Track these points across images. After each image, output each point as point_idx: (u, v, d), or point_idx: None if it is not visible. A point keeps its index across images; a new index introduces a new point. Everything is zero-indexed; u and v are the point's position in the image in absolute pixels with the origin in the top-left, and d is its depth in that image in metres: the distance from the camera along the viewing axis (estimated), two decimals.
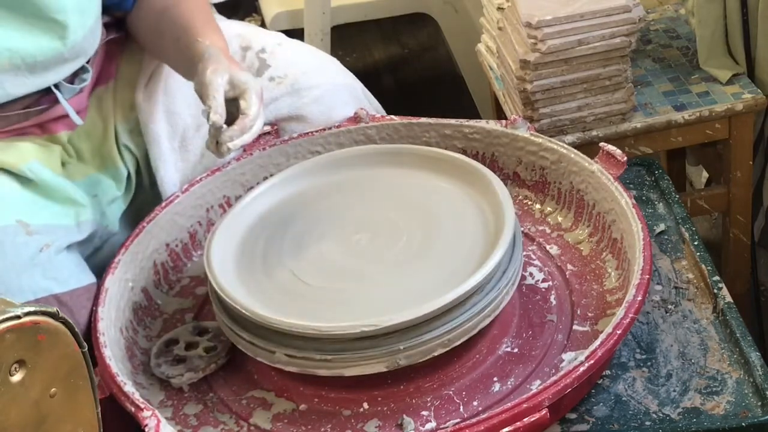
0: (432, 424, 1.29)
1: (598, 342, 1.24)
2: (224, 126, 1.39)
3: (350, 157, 1.58)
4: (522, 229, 1.54)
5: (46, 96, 1.51)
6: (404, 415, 1.30)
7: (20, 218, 1.42)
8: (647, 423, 1.27)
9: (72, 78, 1.54)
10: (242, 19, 3.15)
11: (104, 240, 1.56)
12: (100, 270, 1.49)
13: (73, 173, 1.55)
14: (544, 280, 1.48)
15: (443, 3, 2.71)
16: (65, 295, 1.40)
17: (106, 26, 1.62)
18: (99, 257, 1.55)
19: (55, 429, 1.01)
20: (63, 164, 1.55)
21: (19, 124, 1.50)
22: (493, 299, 1.32)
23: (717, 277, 1.43)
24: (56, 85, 1.51)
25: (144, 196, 1.64)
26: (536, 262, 1.52)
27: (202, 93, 1.42)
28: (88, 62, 1.55)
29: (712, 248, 1.84)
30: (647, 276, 1.32)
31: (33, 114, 1.51)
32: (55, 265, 1.41)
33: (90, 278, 1.47)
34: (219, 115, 1.39)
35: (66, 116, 1.54)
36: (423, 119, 1.67)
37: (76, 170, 1.56)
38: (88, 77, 1.55)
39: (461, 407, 1.31)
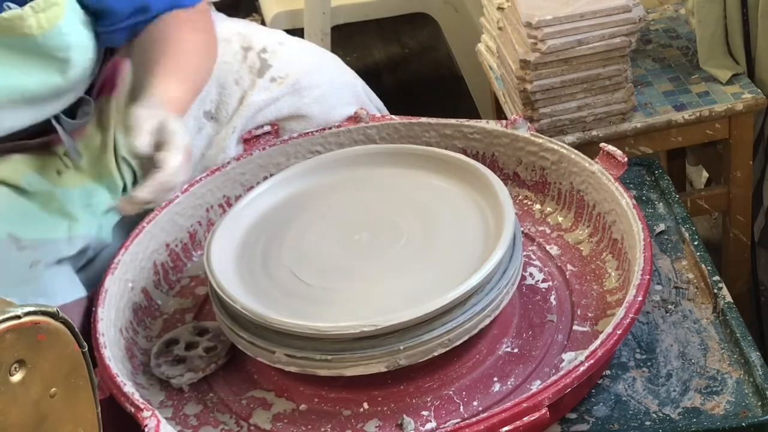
0: (432, 424, 1.29)
1: (598, 342, 1.24)
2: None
3: (350, 157, 1.58)
4: (522, 229, 1.54)
5: (44, 128, 1.50)
6: (404, 415, 1.30)
7: (12, 232, 1.41)
8: (647, 423, 1.27)
9: (74, 109, 1.53)
10: (242, 18, 3.14)
11: (97, 252, 1.55)
12: (93, 282, 1.49)
13: (68, 181, 1.54)
14: (544, 280, 1.48)
15: (443, 3, 2.71)
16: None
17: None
18: (92, 269, 1.54)
19: (55, 429, 1.01)
20: (59, 172, 1.54)
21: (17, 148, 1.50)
22: (493, 299, 1.32)
23: (717, 277, 1.43)
24: (57, 118, 1.50)
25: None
26: (536, 263, 1.52)
27: (128, 127, 1.35)
28: (89, 92, 1.54)
29: (712, 248, 1.84)
30: (648, 276, 1.32)
31: (31, 145, 1.50)
32: (45, 281, 1.41)
33: (80, 292, 1.46)
34: (144, 146, 1.31)
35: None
36: (423, 119, 1.67)
37: (72, 179, 1.55)
38: (90, 110, 1.54)
39: (461, 407, 1.31)
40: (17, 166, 1.48)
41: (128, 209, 1.33)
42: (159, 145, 1.33)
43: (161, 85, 1.42)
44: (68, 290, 1.44)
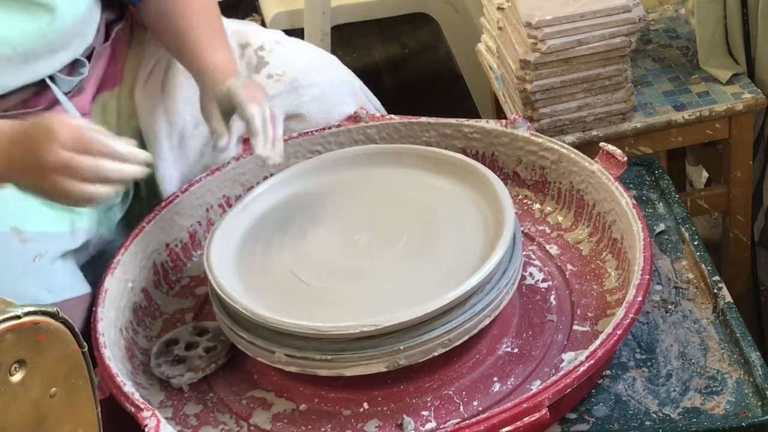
0: (432, 424, 1.29)
1: (598, 342, 1.24)
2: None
3: (350, 157, 1.58)
4: (522, 228, 1.54)
5: (44, 94, 1.50)
6: (404, 415, 1.30)
7: (15, 225, 1.41)
8: (647, 423, 1.27)
9: (70, 71, 1.53)
10: (242, 19, 3.14)
11: (99, 249, 1.55)
12: (96, 279, 1.49)
13: None
14: (544, 280, 1.48)
15: (443, 3, 2.71)
16: (58, 305, 1.39)
17: (109, 23, 1.62)
18: (94, 266, 1.54)
19: (55, 429, 1.01)
20: None
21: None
22: (493, 299, 1.32)
23: (717, 277, 1.43)
24: (52, 79, 1.50)
25: (139, 207, 1.63)
26: (536, 262, 1.52)
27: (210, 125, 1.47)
28: (89, 57, 1.55)
29: (712, 248, 1.84)
30: (648, 276, 1.32)
31: (33, 115, 1.50)
32: (49, 274, 1.41)
33: (85, 288, 1.46)
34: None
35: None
36: (423, 119, 1.67)
37: None
38: (86, 71, 1.54)
39: (461, 407, 1.31)
40: None
41: (276, 157, 1.42)
42: (233, 110, 1.43)
43: (211, 57, 1.49)
44: (73, 285, 1.44)
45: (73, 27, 1.49)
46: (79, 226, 1.49)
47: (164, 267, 1.58)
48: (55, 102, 1.51)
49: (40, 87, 1.50)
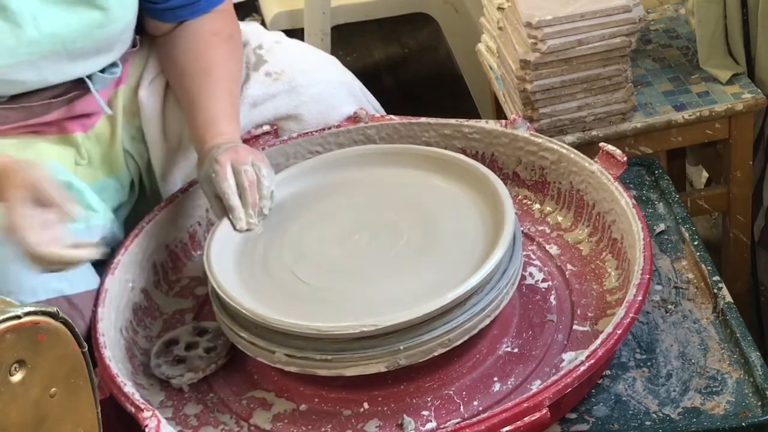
0: (432, 424, 1.29)
1: (598, 341, 1.24)
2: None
3: (350, 157, 1.58)
4: (522, 229, 1.54)
5: (71, 87, 1.52)
6: (404, 415, 1.30)
7: None
8: (647, 423, 1.27)
9: (102, 69, 1.55)
10: (242, 19, 3.14)
11: (110, 247, 1.56)
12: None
13: (83, 176, 1.55)
14: (544, 280, 1.48)
15: (443, 3, 2.71)
16: (76, 297, 1.40)
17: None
18: (100, 265, 1.55)
19: (55, 429, 1.01)
20: (76, 163, 1.55)
21: (38, 118, 1.50)
22: (493, 299, 1.32)
23: (717, 277, 1.43)
24: (88, 76, 1.53)
25: (145, 206, 1.64)
26: (536, 262, 1.52)
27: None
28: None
29: (712, 248, 1.84)
30: (648, 276, 1.32)
31: (55, 106, 1.51)
32: None
33: (98, 282, 1.46)
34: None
35: (81, 116, 1.54)
36: (423, 119, 1.67)
37: (87, 174, 1.56)
38: (118, 71, 1.57)
39: (461, 407, 1.31)
40: (39, 152, 1.49)
41: (257, 225, 1.47)
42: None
43: (217, 129, 1.51)
44: (89, 279, 1.44)
45: (120, 32, 1.52)
46: (94, 222, 1.50)
47: (164, 267, 1.58)
48: (77, 95, 1.53)
49: (69, 83, 1.52)
